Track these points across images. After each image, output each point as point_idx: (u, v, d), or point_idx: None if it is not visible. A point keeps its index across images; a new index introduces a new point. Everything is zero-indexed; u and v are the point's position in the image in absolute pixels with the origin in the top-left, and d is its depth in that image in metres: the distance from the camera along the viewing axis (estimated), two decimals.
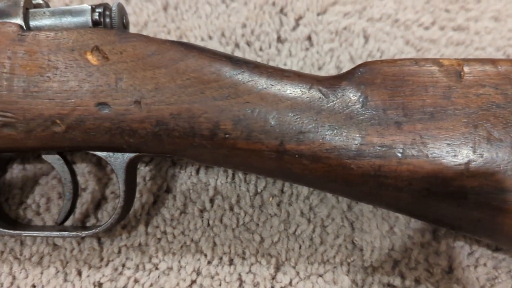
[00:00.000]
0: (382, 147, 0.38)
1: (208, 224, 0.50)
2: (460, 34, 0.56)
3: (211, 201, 0.51)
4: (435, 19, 0.57)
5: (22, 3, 0.42)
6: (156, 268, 0.49)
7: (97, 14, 0.42)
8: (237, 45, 0.57)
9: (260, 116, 0.39)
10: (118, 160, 0.43)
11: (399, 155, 0.38)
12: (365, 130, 0.38)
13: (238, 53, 0.57)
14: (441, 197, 0.38)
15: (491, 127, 0.38)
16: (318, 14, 0.58)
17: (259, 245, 0.49)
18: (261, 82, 0.40)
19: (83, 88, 0.39)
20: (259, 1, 0.58)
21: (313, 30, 0.57)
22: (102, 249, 0.50)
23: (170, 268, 0.49)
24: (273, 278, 0.48)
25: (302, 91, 0.40)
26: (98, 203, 0.52)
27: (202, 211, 0.51)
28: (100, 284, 0.49)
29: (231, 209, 0.51)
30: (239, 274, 0.49)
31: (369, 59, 0.55)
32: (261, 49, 0.57)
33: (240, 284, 0.48)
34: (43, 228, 0.49)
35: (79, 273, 0.49)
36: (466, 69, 0.39)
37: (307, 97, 0.39)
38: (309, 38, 0.57)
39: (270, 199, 0.51)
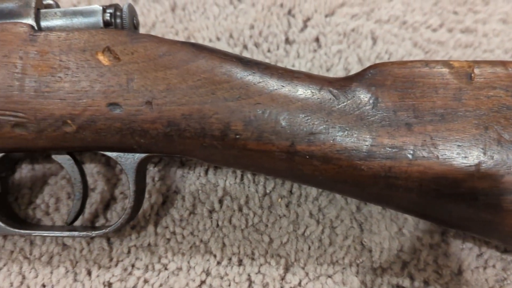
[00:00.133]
0: (393, 148, 0.38)
1: (217, 225, 0.50)
2: (468, 36, 0.57)
3: (220, 201, 0.51)
4: (443, 21, 0.57)
5: (33, 4, 0.42)
6: (166, 269, 0.49)
7: (108, 14, 0.42)
8: (245, 47, 0.57)
9: (271, 117, 0.39)
10: (128, 160, 0.43)
11: (410, 156, 0.38)
12: (376, 132, 0.38)
13: (246, 55, 0.57)
14: (451, 199, 0.38)
15: (502, 129, 0.38)
16: (326, 16, 0.58)
17: (268, 246, 0.49)
18: (272, 83, 0.40)
19: (94, 88, 0.40)
20: (267, 2, 0.58)
21: (321, 31, 0.57)
22: (112, 249, 0.50)
23: (180, 269, 0.49)
24: (283, 278, 0.48)
25: (312, 92, 0.40)
26: (107, 203, 0.52)
27: (211, 211, 0.51)
28: (110, 284, 0.49)
29: (240, 210, 0.51)
30: (249, 275, 0.49)
31: (377, 61, 0.56)
32: (269, 51, 0.57)
33: (250, 285, 0.48)
34: (53, 228, 0.49)
35: (89, 273, 0.49)
36: (476, 71, 0.39)
37: (318, 98, 0.40)
38: (317, 39, 0.57)
39: (279, 200, 0.51)
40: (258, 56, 0.56)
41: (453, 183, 0.37)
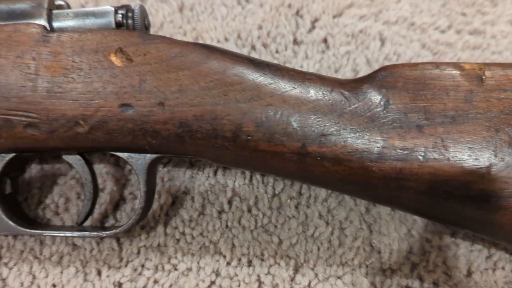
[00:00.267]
0: (404, 150, 0.38)
1: (227, 226, 0.50)
2: (476, 38, 0.57)
3: (229, 202, 0.51)
4: (452, 23, 0.57)
5: (46, 5, 0.42)
6: (175, 269, 0.49)
7: (120, 15, 0.42)
8: (253, 47, 0.57)
9: (283, 118, 0.39)
10: (139, 161, 0.43)
11: (421, 158, 0.38)
12: (387, 133, 0.39)
13: (254, 55, 0.57)
14: (462, 201, 0.38)
15: None
16: (334, 17, 0.58)
17: (277, 247, 0.50)
18: (283, 85, 0.40)
19: (107, 89, 0.40)
20: (275, 3, 0.58)
21: (329, 32, 0.57)
22: (122, 250, 0.50)
23: (189, 269, 0.49)
24: (292, 279, 0.49)
25: (324, 94, 0.40)
26: (116, 204, 0.52)
27: (220, 212, 0.51)
28: (120, 284, 0.49)
29: (249, 210, 0.51)
30: (258, 276, 0.49)
31: (386, 62, 0.56)
32: (277, 51, 0.57)
33: (259, 285, 0.48)
34: (63, 228, 0.49)
35: (99, 273, 0.49)
36: (487, 73, 0.39)
37: (329, 100, 0.40)
38: (325, 40, 0.57)
39: (288, 201, 0.51)
40: (266, 57, 0.56)
41: (464, 185, 0.37)
